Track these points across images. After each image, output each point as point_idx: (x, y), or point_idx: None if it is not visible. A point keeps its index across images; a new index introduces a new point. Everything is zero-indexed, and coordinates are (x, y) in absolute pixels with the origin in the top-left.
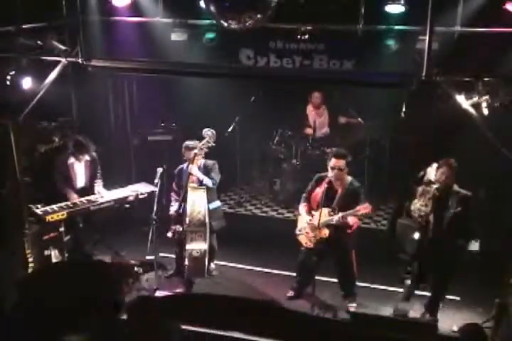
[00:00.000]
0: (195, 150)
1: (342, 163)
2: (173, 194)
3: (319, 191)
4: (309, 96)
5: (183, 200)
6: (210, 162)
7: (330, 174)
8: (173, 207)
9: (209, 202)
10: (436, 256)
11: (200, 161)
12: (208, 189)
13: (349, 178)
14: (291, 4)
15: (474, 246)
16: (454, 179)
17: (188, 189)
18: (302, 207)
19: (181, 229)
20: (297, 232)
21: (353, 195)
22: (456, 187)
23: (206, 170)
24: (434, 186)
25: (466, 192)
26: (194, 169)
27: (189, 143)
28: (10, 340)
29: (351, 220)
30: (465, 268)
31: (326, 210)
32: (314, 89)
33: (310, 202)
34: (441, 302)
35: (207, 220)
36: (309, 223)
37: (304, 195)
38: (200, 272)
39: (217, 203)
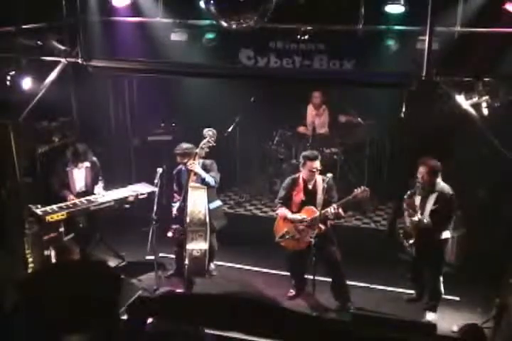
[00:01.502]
0: (196, 150)
1: (318, 163)
2: (175, 195)
3: (297, 193)
4: (310, 96)
5: (184, 200)
6: (208, 161)
7: (306, 176)
8: (175, 208)
9: (209, 201)
10: (425, 251)
11: (199, 161)
12: (208, 189)
13: (319, 176)
14: (291, 4)
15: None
16: (432, 178)
17: (189, 188)
18: (284, 210)
19: (181, 228)
20: (279, 239)
21: (329, 190)
22: (439, 186)
23: (205, 170)
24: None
25: (448, 192)
26: (196, 166)
27: (177, 149)
28: (10, 340)
29: (341, 211)
30: (465, 268)
31: (312, 208)
32: (314, 89)
33: (290, 205)
34: (440, 299)
35: (207, 220)
36: (303, 224)
37: (280, 200)
38: (200, 272)
39: (217, 203)
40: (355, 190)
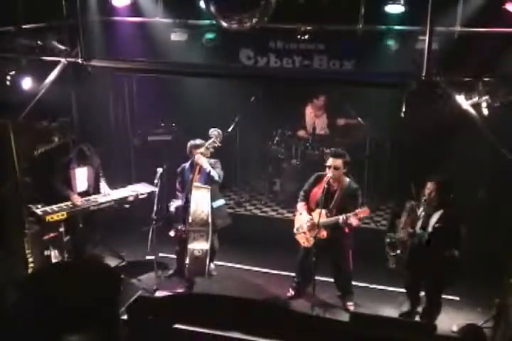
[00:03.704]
0: (201, 150)
1: (339, 162)
2: (177, 193)
3: (318, 190)
4: (311, 98)
5: (187, 199)
6: (212, 160)
7: (328, 173)
8: (174, 204)
9: (213, 200)
10: (425, 267)
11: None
12: (212, 187)
13: (347, 179)
14: (291, 4)
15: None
16: (441, 195)
17: (192, 188)
18: (301, 206)
19: (184, 228)
20: (295, 231)
21: (351, 196)
22: (446, 203)
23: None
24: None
25: (454, 210)
26: (201, 159)
27: (196, 141)
28: (10, 340)
29: (354, 221)
30: (465, 268)
31: (323, 211)
32: (315, 90)
33: (308, 201)
34: (438, 310)
35: (210, 220)
36: (309, 223)
37: (302, 193)
38: (200, 271)
39: (221, 201)
40: (356, 207)
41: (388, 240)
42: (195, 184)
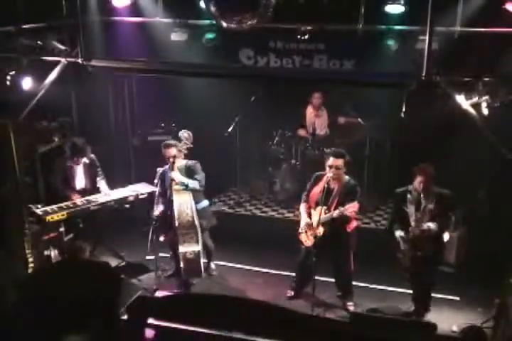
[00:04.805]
0: (174, 152)
1: (340, 162)
2: (159, 197)
3: (317, 190)
4: (310, 97)
5: (170, 203)
6: (191, 162)
7: (328, 173)
8: (158, 209)
9: (196, 202)
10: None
11: (182, 162)
12: (194, 190)
13: (346, 177)
14: (291, 4)
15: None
16: (431, 184)
17: (173, 192)
18: (302, 207)
19: (168, 232)
20: (300, 231)
21: (350, 193)
22: (435, 189)
23: (189, 171)
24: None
25: (446, 193)
26: (176, 175)
27: (167, 141)
28: (10, 340)
29: (349, 213)
30: (465, 268)
31: (322, 209)
32: (314, 89)
33: (309, 201)
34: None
35: (196, 221)
36: (307, 222)
37: (304, 194)
38: (196, 273)
39: (205, 202)
40: (347, 204)
41: (412, 234)
42: (176, 187)
